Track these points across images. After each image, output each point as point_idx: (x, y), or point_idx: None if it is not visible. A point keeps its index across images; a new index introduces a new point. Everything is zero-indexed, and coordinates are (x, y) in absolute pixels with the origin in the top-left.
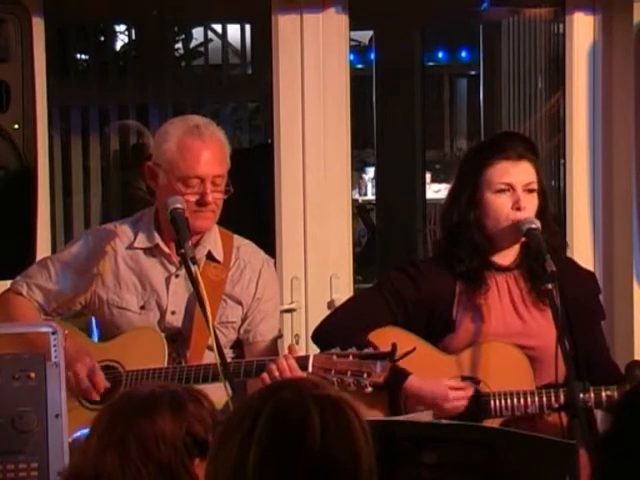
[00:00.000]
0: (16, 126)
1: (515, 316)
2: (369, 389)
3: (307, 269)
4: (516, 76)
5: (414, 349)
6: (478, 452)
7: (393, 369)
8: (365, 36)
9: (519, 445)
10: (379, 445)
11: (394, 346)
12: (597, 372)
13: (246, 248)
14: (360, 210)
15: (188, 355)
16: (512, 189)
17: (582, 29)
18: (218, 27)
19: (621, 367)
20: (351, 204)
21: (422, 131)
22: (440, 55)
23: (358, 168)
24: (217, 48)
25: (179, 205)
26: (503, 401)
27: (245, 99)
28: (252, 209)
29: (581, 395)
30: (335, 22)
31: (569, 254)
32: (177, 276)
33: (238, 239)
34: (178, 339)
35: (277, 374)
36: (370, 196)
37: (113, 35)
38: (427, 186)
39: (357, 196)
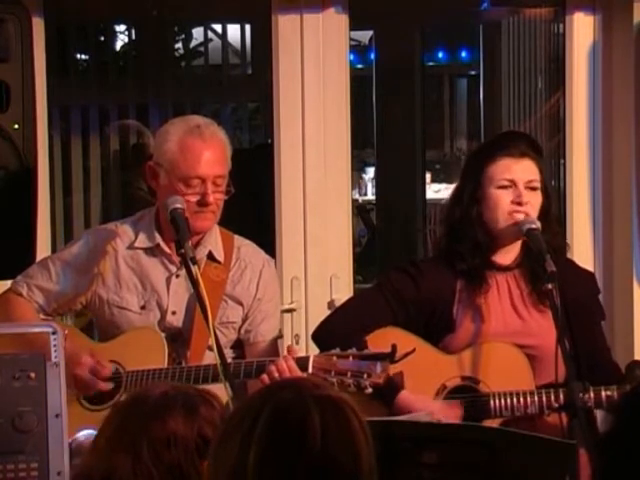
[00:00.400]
0: (16, 126)
1: (515, 315)
2: (369, 390)
3: (307, 269)
4: (516, 76)
5: (414, 350)
6: (478, 452)
7: (386, 382)
8: (365, 36)
9: (519, 445)
10: (379, 445)
11: (394, 347)
12: (597, 372)
13: (247, 248)
14: (360, 210)
15: (188, 355)
16: (514, 185)
17: (582, 29)
18: (218, 27)
19: (621, 367)
20: (351, 204)
21: (422, 131)
22: (440, 55)
23: (358, 168)
24: (217, 48)
25: (179, 205)
26: (503, 401)
27: (245, 99)
28: (252, 209)
29: (581, 395)
30: (335, 22)
31: (569, 254)
32: (178, 276)
33: (239, 239)
34: (178, 339)
35: (277, 375)
36: (370, 196)
37: (113, 35)
38: (427, 186)
39: (357, 196)
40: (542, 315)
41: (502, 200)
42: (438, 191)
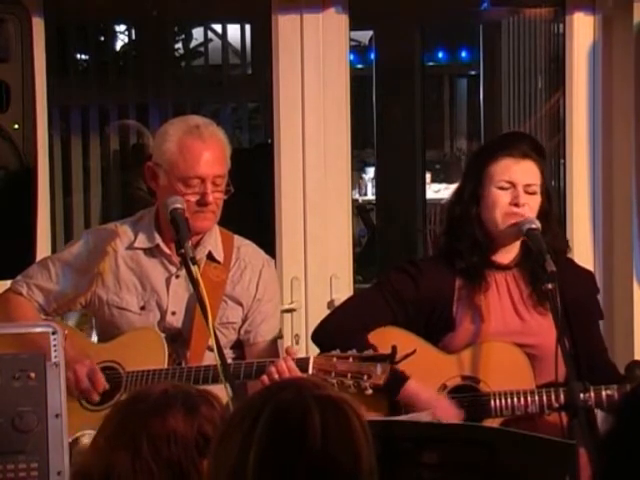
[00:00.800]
0: (16, 126)
1: (514, 315)
2: (369, 391)
3: (307, 269)
4: (516, 76)
5: (414, 351)
6: (478, 452)
7: (392, 372)
8: (365, 36)
9: (519, 445)
10: (379, 445)
11: (394, 348)
12: (596, 372)
13: (247, 248)
14: (360, 210)
15: (188, 356)
16: (513, 187)
17: (582, 29)
18: (218, 27)
19: (621, 367)
20: (351, 204)
21: (422, 131)
22: (440, 55)
23: (358, 168)
24: (217, 48)
25: (179, 205)
26: (503, 400)
27: (245, 99)
28: (252, 209)
29: (581, 395)
30: (335, 22)
31: (569, 254)
32: (177, 276)
33: (239, 239)
34: (178, 339)
35: (276, 376)
36: (370, 196)
37: (113, 35)
38: (427, 186)
39: (357, 196)
40: (542, 315)
41: (500, 200)
42: (438, 191)
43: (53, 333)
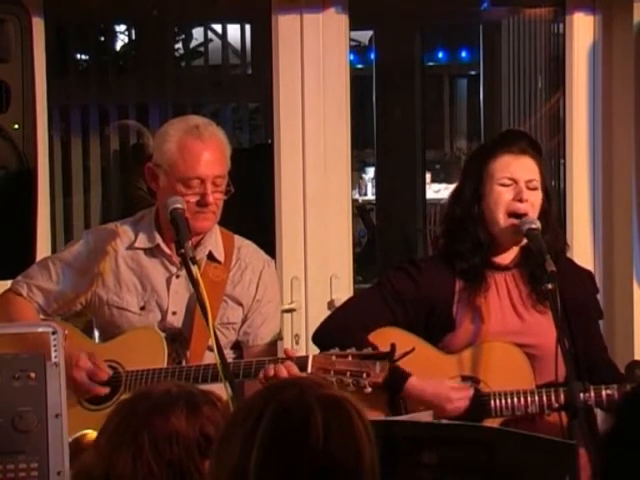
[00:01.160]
0: (16, 126)
1: (514, 315)
2: (368, 389)
3: (307, 269)
4: (516, 76)
5: (413, 349)
6: (478, 452)
7: (393, 370)
8: (365, 36)
9: (519, 445)
10: (379, 445)
11: (393, 346)
12: (596, 371)
13: (247, 249)
14: (360, 210)
15: (188, 355)
16: (515, 183)
17: (582, 29)
18: (218, 27)
19: (621, 367)
20: (351, 204)
21: (422, 131)
22: (440, 55)
23: (358, 168)
24: (217, 48)
25: (179, 205)
26: (503, 401)
27: (245, 99)
28: (252, 209)
29: (581, 395)
30: (335, 22)
31: (569, 254)
32: (178, 276)
33: (239, 239)
34: (178, 339)
35: (272, 373)
36: (370, 196)
37: (113, 35)
38: (427, 186)
39: (357, 196)
40: (541, 315)
41: (503, 197)
42: (438, 191)
43: (53, 333)
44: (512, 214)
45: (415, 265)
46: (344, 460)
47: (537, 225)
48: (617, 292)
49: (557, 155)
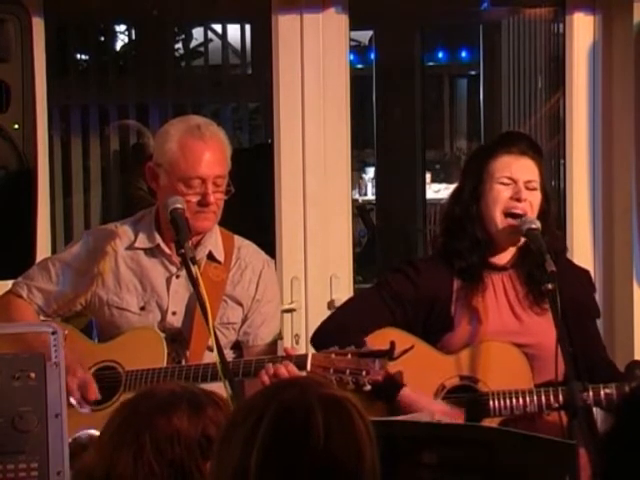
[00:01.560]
0: (16, 126)
1: (511, 315)
2: (368, 387)
3: (307, 269)
4: (516, 76)
5: (412, 347)
6: (478, 452)
7: (388, 378)
8: (365, 36)
9: (519, 445)
10: (379, 445)
11: (392, 344)
12: (595, 370)
13: (247, 249)
14: (360, 210)
15: (188, 355)
16: (514, 183)
17: (582, 29)
18: (218, 27)
19: (621, 367)
20: (351, 204)
21: (422, 131)
22: (440, 55)
23: (358, 168)
24: (217, 48)
25: (179, 205)
26: (502, 401)
27: (245, 99)
28: (252, 209)
29: (581, 395)
30: (335, 22)
31: (569, 255)
32: (178, 277)
33: (239, 239)
34: (178, 339)
35: (272, 372)
36: (370, 196)
37: (113, 35)
38: (427, 186)
39: (357, 196)
40: (538, 314)
41: (501, 195)
42: (438, 191)
43: (53, 333)
44: (509, 214)
45: (413, 266)
46: (345, 460)
47: (537, 225)
48: (617, 292)
49: (557, 155)
